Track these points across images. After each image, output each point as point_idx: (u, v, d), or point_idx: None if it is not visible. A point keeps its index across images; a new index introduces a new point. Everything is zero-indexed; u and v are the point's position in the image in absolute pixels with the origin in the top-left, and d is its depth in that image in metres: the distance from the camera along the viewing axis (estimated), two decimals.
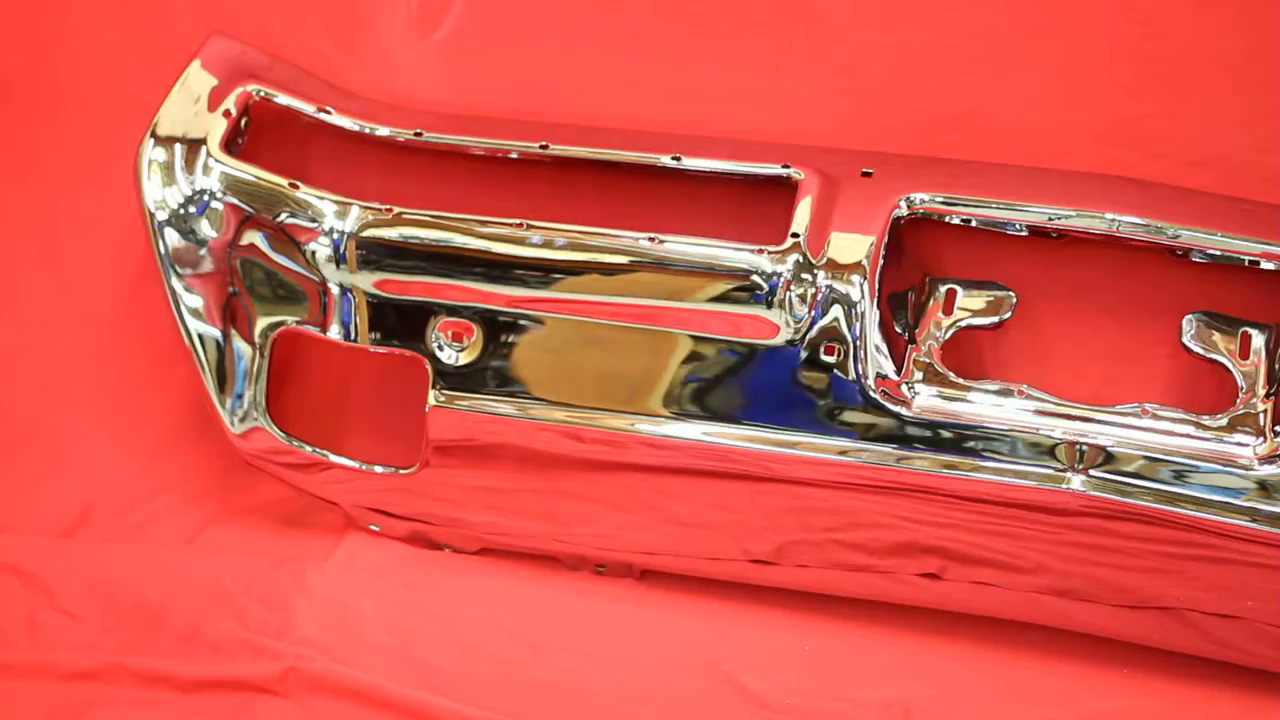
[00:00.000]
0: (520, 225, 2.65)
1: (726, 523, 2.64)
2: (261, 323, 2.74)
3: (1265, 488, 2.47)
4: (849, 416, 2.55)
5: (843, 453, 2.55)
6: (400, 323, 2.69)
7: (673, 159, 2.68)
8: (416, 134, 2.77)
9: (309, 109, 2.80)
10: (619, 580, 2.74)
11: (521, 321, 2.66)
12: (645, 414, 2.60)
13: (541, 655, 2.61)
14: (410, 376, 2.71)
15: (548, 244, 2.64)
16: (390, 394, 2.84)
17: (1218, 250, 2.57)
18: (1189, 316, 2.59)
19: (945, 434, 2.54)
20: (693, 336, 2.60)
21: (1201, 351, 2.57)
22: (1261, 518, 2.47)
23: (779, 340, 2.56)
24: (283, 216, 2.70)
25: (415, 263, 2.67)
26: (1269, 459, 2.48)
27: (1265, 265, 2.56)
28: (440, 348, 2.68)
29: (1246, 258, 2.57)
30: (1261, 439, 2.49)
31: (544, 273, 2.65)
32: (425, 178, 2.80)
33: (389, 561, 2.78)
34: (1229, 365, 2.57)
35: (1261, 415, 2.52)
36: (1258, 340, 2.58)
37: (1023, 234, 2.62)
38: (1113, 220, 2.56)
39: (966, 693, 2.59)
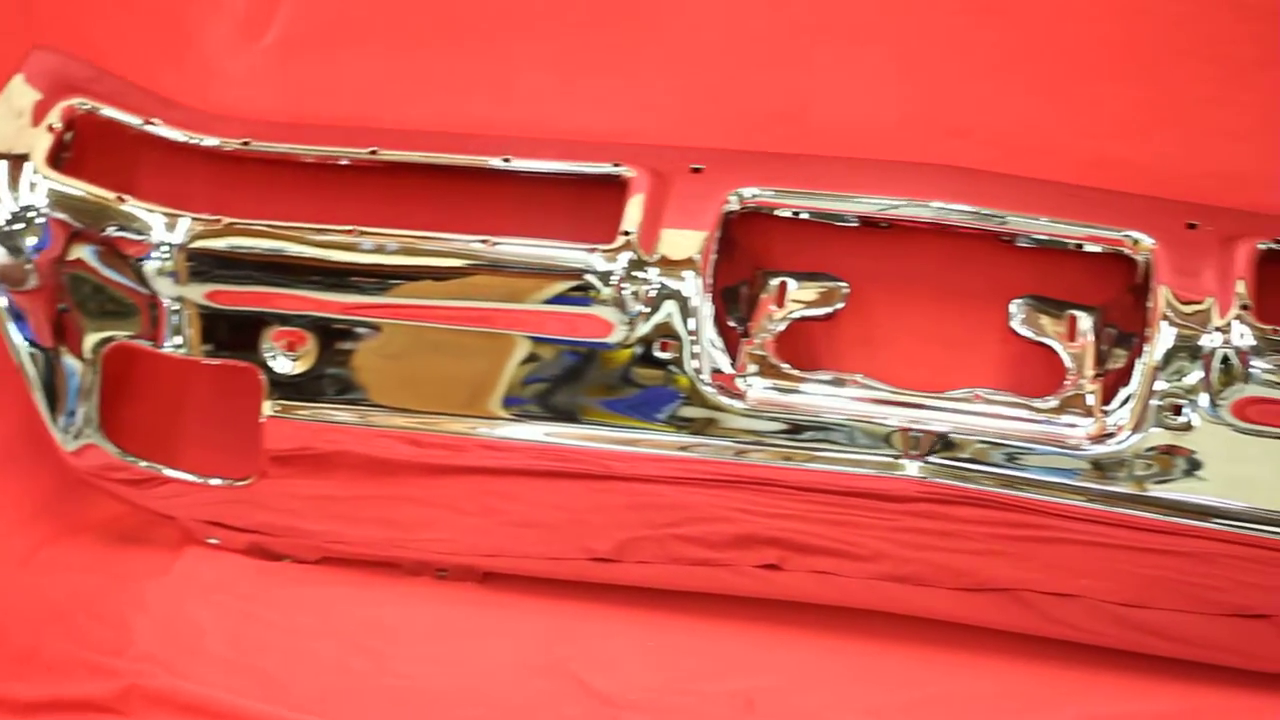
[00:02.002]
0: (352, 232, 2.64)
1: (567, 522, 2.64)
2: (92, 338, 2.71)
3: (1096, 467, 2.49)
4: (685, 412, 2.56)
5: (681, 448, 2.56)
6: (233, 334, 2.67)
7: (503, 161, 2.68)
8: (244, 143, 2.75)
9: (135, 121, 2.77)
10: (461, 584, 2.73)
11: (357, 329, 2.64)
12: (484, 417, 2.60)
13: (384, 662, 2.60)
14: (245, 387, 2.66)
15: (379, 250, 2.63)
16: (225, 406, 2.81)
17: (1044, 235, 2.61)
18: (1017, 301, 2.62)
19: (781, 426, 2.56)
20: (529, 338, 2.60)
21: (1030, 335, 2.61)
22: (1094, 497, 2.50)
23: (614, 338, 2.57)
24: (111, 230, 2.67)
25: (246, 273, 2.65)
26: (1099, 439, 2.49)
27: (1090, 248, 2.60)
28: (274, 357, 2.66)
29: (1072, 241, 2.60)
30: (1091, 419, 2.52)
31: (377, 279, 2.64)
32: (255, 187, 2.78)
33: (228, 574, 2.75)
34: (1057, 348, 2.61)
35: (1090, 396, 2.55)
36: (1085, 322, 2.62)
37: (853, 225, 2.64)
38: (940, 208, 2.59)
39: (810, 680, 2.61)
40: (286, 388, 2.65)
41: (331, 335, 2.64)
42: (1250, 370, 2.48)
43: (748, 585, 2.65)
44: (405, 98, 2.78)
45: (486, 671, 2.59)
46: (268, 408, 2.65)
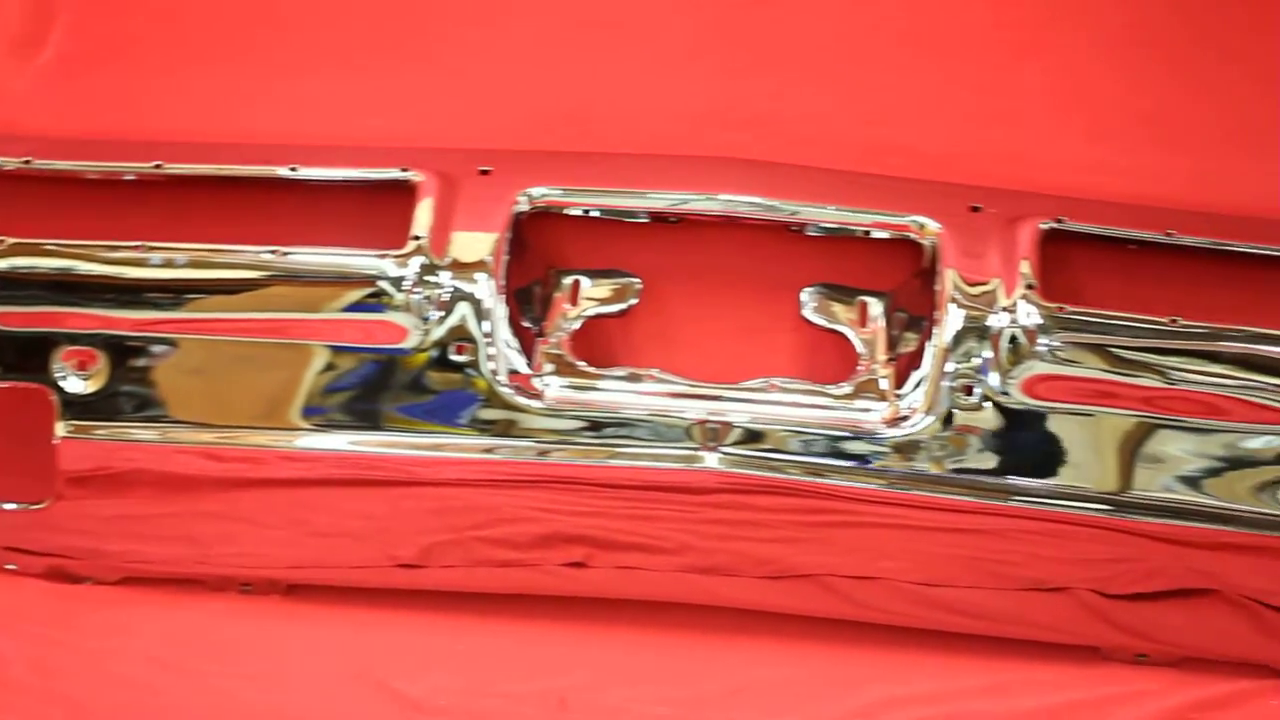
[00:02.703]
0: (139, 248, 2.61)
1: (370, 530, 2.63)
2: None
3: (892, 450, 2.51)
4: (485, 414, 2.56)
5: (481, 450, 2.56)
6: (21, 355, 2.63)
7: (290, 170, 2.65)
8: (25, 162, 2.71)
9: None
10: (265, 598, 2.71)
11: (150, 345, 2.62)
12: (284, 428, 2.58)
13: (191, 680, 2.57)
14: (37, 409, 2.62)
15: (169, 265, 2.60)
16: (17, 428, 2.75)
17: (832, 223, 2.64)
18: (808, 289, 2.65)
19: (581, 423, 2.56)
20: (326, 347, 2.59)
21: (822, 323, 2.64)
22: (891, 479, 2.53)
23: (409, 343, 2.56)
24: None
25: (32, 293, 2.61)
26: (893, 422, 2.52)
27: (878, 234, 2.63)
28: (65, 378, 2.62)
29: (859, 229, 2.63)
30: (885, 403, 2.55)
31: (168, 294, 2.62)
32: (38, 206, 2.73)
33: (28, 600, 2.71)
34: (849, 334, 2.64)
35: (883, 381, 2.59)
36: (875, 308, 2.65)
37: (643, 221, 2.64)
38: (729, 201, 2.61)
39: (621, 676, 2.62)
40: (80, 408, 2.61)
41: (124, 353, 2.61)
42: (1038, 348, 2.51)
43: (554, 584, 2.65)
44: (188, 110, 2.76)
45: (295, 684, 2.58)
46: (61, 429, 2.60)
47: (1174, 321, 2.52)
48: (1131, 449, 2.53)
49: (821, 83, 2.66)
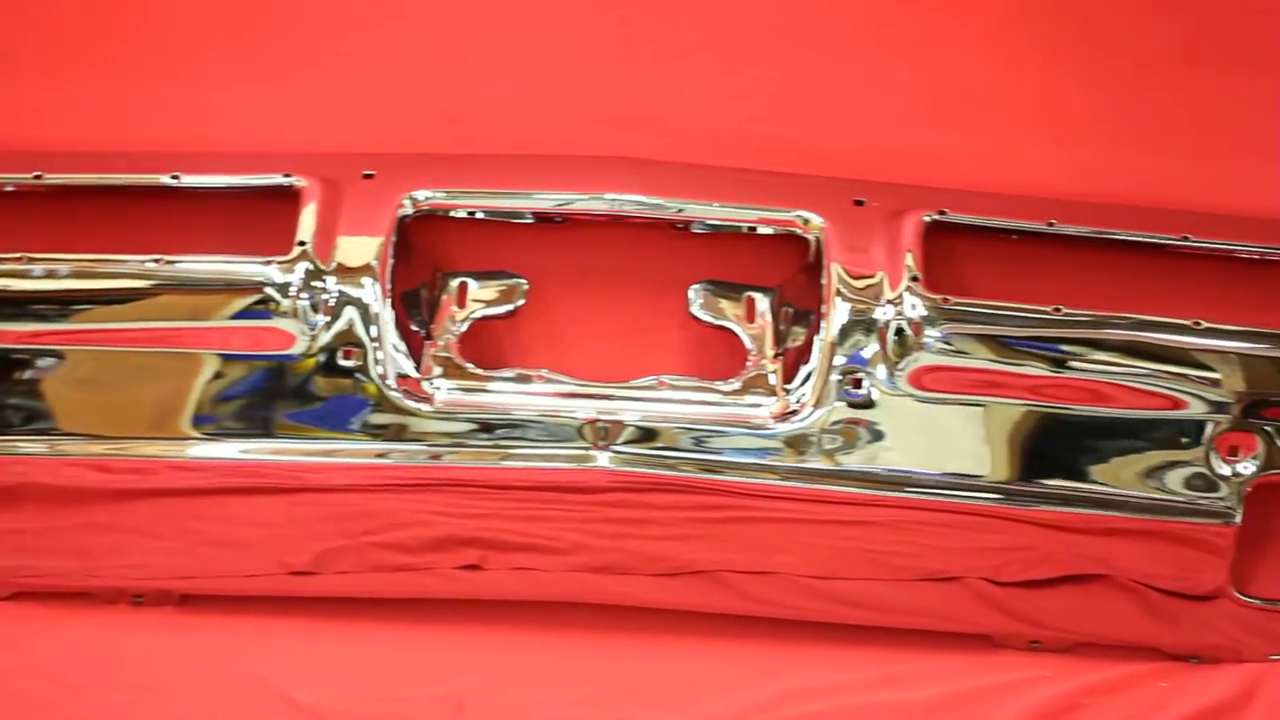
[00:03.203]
0: (20, 259, 2.59)
1: (263, 538, 2.62)
2: None
3: (783, 445, 2.52)
4: (375, 419, 2.55)
5: (373, 455, 2.55)
6: None
7: (172, 178, 2.63)
8: None
9: None
10: (158, 609, 2.70)
11: (37, 358, 2.58)
12: (175, 438, 2.57)
13: (84, 695, 2.56)
14: None
15: (51, 276, 2.58)
16: None
17: (717, 220, 2.64)
18: (695, 286, 2.65)
19: (471, 426, 2.56)
20: (214, 355, 2.57)
21: (710, 319, 2.64)
22: (784, 474, 2.54)
23: (297, 349, 2.55)
24: None
25: None
26: (783, 417, 2.53)
27: (763, 230, 2.63)
28: None
29: (745, 225, 2.63)
30: (774, 398, 2.55)
31: (53, 305, 2.59)
32: None
33: None
34: (737, 330, 2.65)
35: (772, 375, 2.59)
36: (762, 304, 2.65)
37: (529, 222, 2.64)
38: (614, 200, 2.61)
39: (518, 677, 2.62)
40: None
41: (9, 366, 2.59)
42: (924, 340, 2.53)
43: (450, 587, 2.65)
44: (68, 119, 2.74)
45: (190, 696, 2.57)
46: None
47: (1057, 310, 2.54)
48: (1020, 438, 2.54)
49: (704, 81, 2.67)
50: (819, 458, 2.52)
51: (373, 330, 2.52)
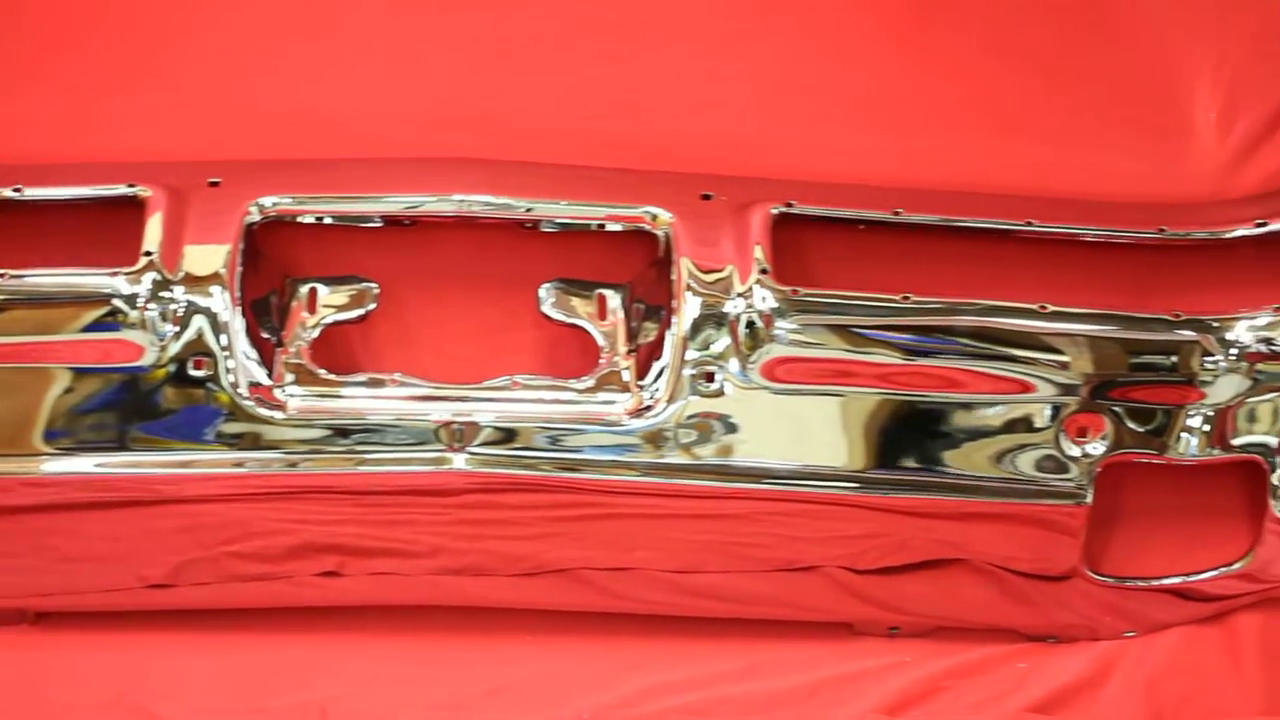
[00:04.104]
0: None
1: (119, 552, 2.60)
2: None
3: (638, 441, 2.53)
4: (229, 428, 2.54)
5: (230, 465, 2.54)
6: None
7: (14, 191, 2.60)
8: None
9: None
10: (13, 628, 2.67)
11: None
12: (27, 454, 2.54)
13: None
14: None
15: None
16: None
17: (566, 218, 2.64)
18: (546, 285, 2.65)
19: (326, 432, 2.54)
20: (64, 369, 2.54)
21: (562, 318, 2.64)
22: (640, 470, 2.54)
23: (147, 361, 2.53)
24: None
25: None
26: (638, 413, 2.54)
27: (612, 227, 2.63)
28: None
29: (593, 222, 2.63)
30: (628, 395, 2.56)
31: None
32: None
33: None
34: (589, 328, 2.65)
35: (625, 372, 2.60)
36: (614, 301, 2.66)
37: (377, 225, 2.62)
38: (462, 201, 2.60)
39: (380, 682, 2.61)
40: None
41: None
42: (775, 332, 2.54)
43: (309, 595, 2.64)
44: None
45: (51, 714, 2.55)
46: None
47: (906, 299, 2.56)
48: (874, 426, 2.57)
49: (547, 79, 2.68)
50: (675, 452, 2.53)
51: (223, 339, 2.51)
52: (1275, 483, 2.61)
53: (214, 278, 2.52)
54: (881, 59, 2.69)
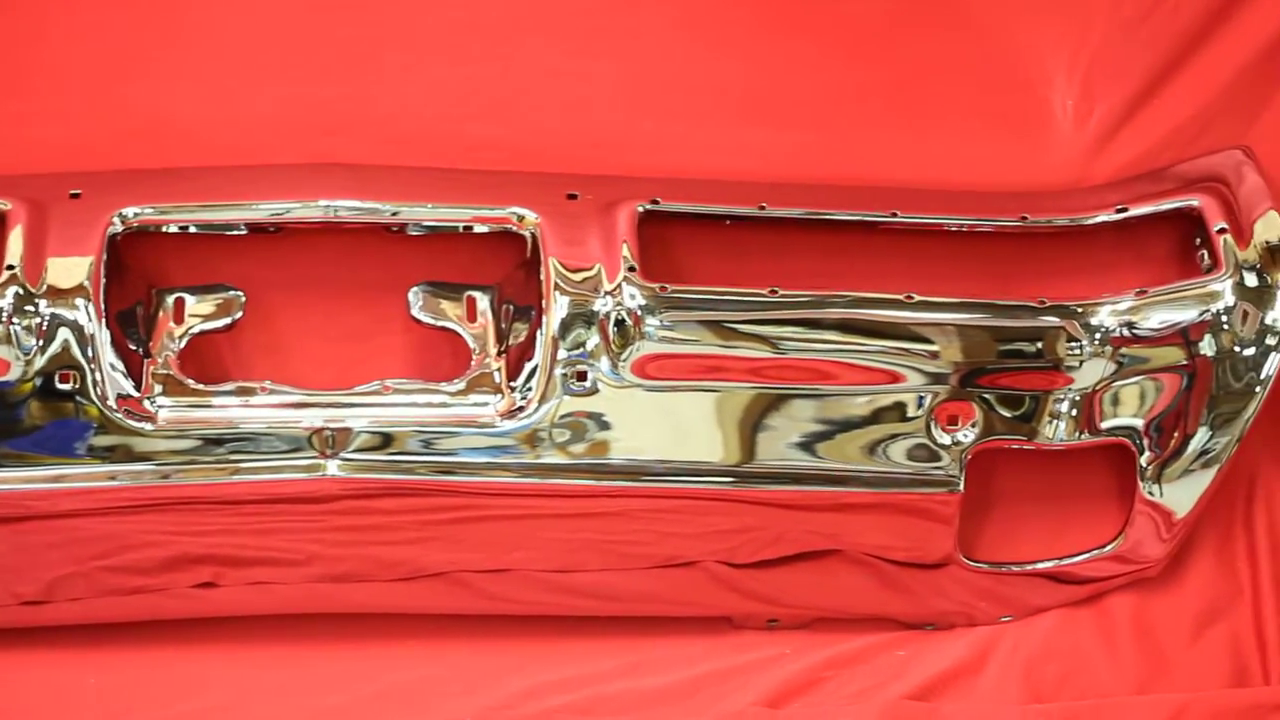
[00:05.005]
0: None
1: None
2: None
3: (512, 442, 2.53)
4: (98, 441, 2.52)
5: (100, 478, 2.52)
6: None
7: None
8: None
9: None
10: None
11: None
12: None
13: None
14: None
15: None
16: None
17: (432, 221, 2.64)
18: (415, 289, 2.65)
19: (197, 442, 2.52)
20: None
21: (431, 321, 2.64)
22: (514, 470, 2.54)
23: (12, 376, 2.51)
24: None
25: None
26: (510, 414, 2.54)
27: (479, 229, 2.64)
28: None
29: (461, 224, 2.63)
30: (500, 396, 2.56)
31: None
32: None
33: None
34: (460, 330, 2.64)
35: (496, 373, 2.60)
36: (483, 302, 2.66)
37: (243, 233, 2.61)
38: (327, 206, 2.59)
39: (260, 692, 2.61)
40: None
41: None
42: (645, 329, 2.54)
43: (186, 607, 2.63)
44: None
45: None
46: None
47: (773, 292, 2.57)
48: (746, 420, 2.58)
49: (412, 82, 2.67)
50: (549, 452, 2.53)
51: (89, 351, 2.48)
52: (1143, 465, 2.62)
53: (78, 290, 2.50)
54: (746, 56, 2.70)
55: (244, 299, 2.61)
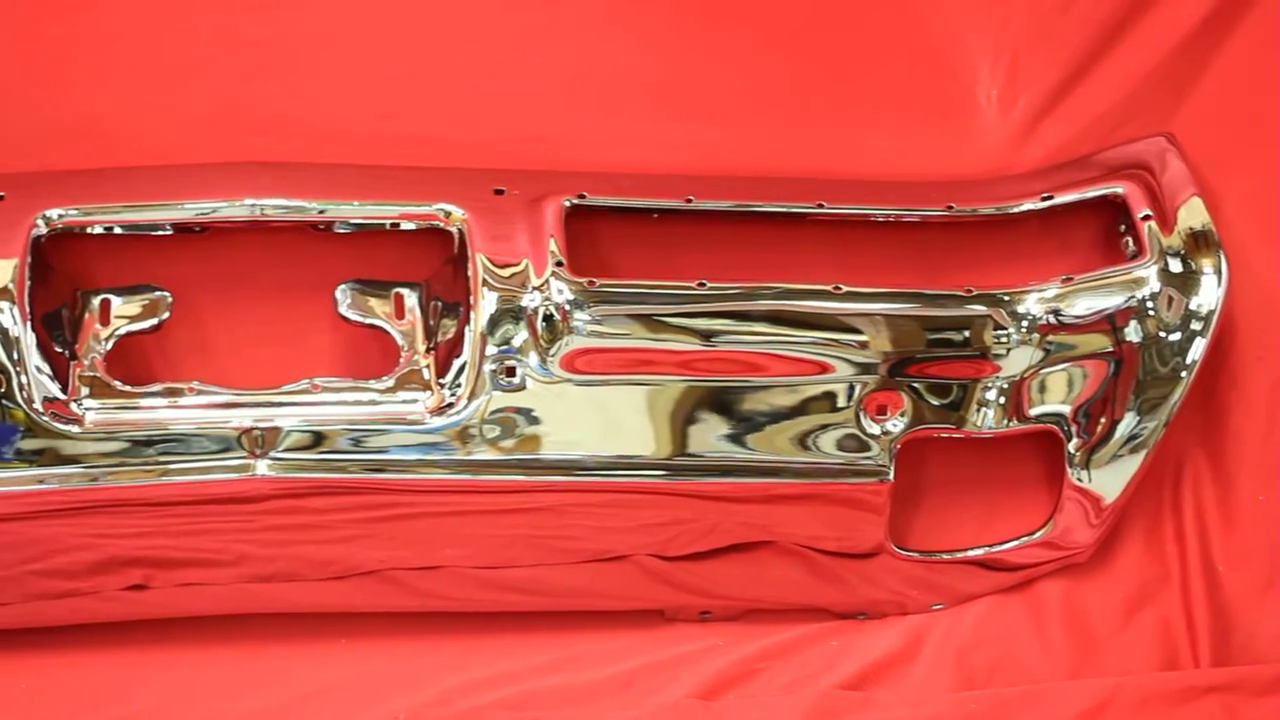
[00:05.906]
0: None
1: None
2: None
3: (442, 438, 2.53)
4: (25, 444, 2.51)
5: (27, 482, 2.50)
6: None
7: None
8: None
9: None
10: None
11: None
12: None
13: None
14: None
15: None
16: None
17: (359, 219, 2.63)
18: (342, 287, 2.64)
19: (126, 444, 2.52)
20: None
21: (359, 319, 2.64)
22: (445, 467, 2.54)
23: None
24: None
25: None
26: (439, 411, 2.53)
27: (406, 226, 2.63)
28: None
29: (388, 221, 2.62)
30: (429, 393, 2.55)
31: None
32: None
33: None
34: (388, 327, 2.64)
35: (425, 370, 2.60)
36: (411, 299, 2.65)
37: (169, 233, 2.60)
38: (253, 205, 2.58)
39: (192, 694, 2.61)
40: None
41: None
42: (573, 324, 2.54)
43: (117, 610, 2.62)
44: None
45: None
46: None
47: (701, 285, 2.57)
48: (677, 413, 2.58)
49: (337, 79, 2.66)
50: (480, 449, 2.53)
51: (14, 355, 2.46)
52: (1071, 451, 2.63)
53: (2, 293, 2.50)
54: (672, 51, 2.71)
55: (171, 299, 2.60)
